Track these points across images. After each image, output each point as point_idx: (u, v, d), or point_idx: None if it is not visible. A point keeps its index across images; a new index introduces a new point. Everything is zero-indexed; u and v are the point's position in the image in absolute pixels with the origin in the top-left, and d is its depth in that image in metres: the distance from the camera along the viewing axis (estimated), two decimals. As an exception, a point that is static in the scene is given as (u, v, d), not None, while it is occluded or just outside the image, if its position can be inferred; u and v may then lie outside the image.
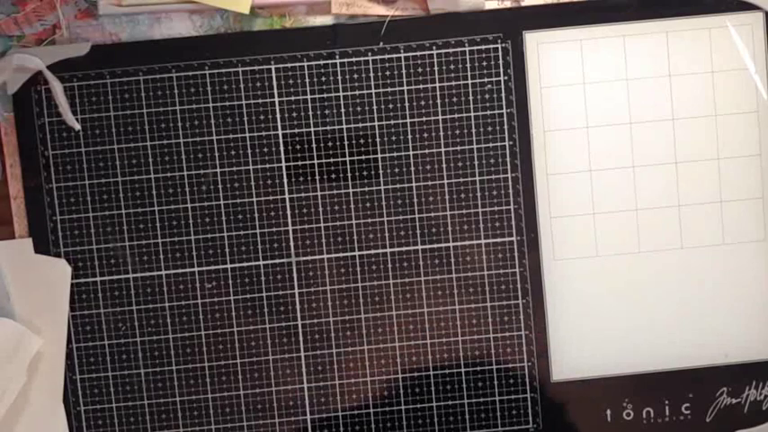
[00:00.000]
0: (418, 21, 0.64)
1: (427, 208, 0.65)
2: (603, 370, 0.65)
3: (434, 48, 0.64)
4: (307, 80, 0.64)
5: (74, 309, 0.64)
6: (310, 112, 0.64)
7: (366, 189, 0.65)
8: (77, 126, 0.63)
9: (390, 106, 0.64)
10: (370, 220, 0.65)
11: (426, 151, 0.64)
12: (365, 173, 0.65)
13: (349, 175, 0.65)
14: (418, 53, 0.64)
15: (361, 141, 0.64)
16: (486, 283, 0.65)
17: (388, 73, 0.64)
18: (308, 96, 0.64)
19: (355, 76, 0.64)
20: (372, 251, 0.65)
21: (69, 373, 0.64)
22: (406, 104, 0.64)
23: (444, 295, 0.65)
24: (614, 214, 0.65)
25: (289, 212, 0.65)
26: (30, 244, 0.63)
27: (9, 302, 0.63)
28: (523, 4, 0.64)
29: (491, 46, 0.64)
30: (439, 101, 0.64)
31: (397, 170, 0.65)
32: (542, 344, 0.65)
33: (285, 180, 0.64)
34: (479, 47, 0.64)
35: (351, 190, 0.65)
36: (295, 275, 0.65)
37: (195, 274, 0.65)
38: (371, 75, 0.64)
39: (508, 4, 0.64)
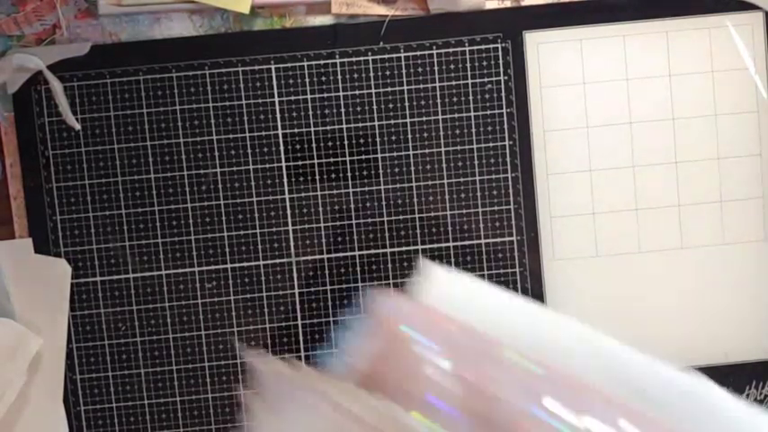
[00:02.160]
0: (418, 21, 0.64)
1: (427, 208, 0.65)
2: (603, 370, 0.65)
3: (434, 48, 0.64)
4: (307, 80, 0.64)
5: (74, 309, 0.64)
6: (310, 112, 0.64)
7: (366, 189, 0.65)
8: (77, 126, 0.63)
9: (390, 106, 0.64)
10: (370, 220, 0.65)
11: (426, 151, 0.64)
12: (365, 173, 0.65)
13: (349, 174, 0.65)
14: (418, 53, 0.64)
15: (361, 141, 0.64)
16: (486, 283, 0.65)
17: (388, 73, 0.64)
18: (308, 96, 0.64)
19: (355, 76, 0.64)
20: (372, 251, 0.65)
21: (69, 373, 0.64)
22: (406, 104, 0.64)
23: (444, 295, 0.65)
24: (614, 214, 0.65)
25: (289, 212, 0.65)
26: (30, 244, 0.63)
27: (9, 302, 0.63)
28: (523, 3, 0.64)
29: (491, 46, 0.64)
30: (439, 101, 0.64)
31: (397, 170, 0.65)
32: (542, 344, 0.65)
33: (285, 180, 0.64)
34: (479, 47, 0.64)
35: (351, 190, 0.65)
36: (295, 275, 0.65)
37: (195, 274, 0.65)
38: (371, 75, 0.64)
39: (508, 4, 0.64)
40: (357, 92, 0.64)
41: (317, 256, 0.65)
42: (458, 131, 0.64)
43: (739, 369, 0.65)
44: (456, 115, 0.64)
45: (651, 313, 0.65)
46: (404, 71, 0.64)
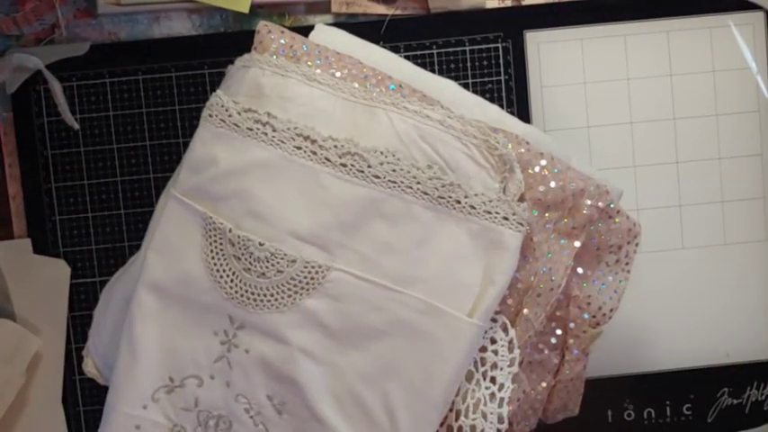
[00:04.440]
0: (418, 20, 0.63)
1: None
2: (603, 370, 0.64)
3: (435, 47, 0.64)
4: (306, 80, 0.64)
5: (73, 309, 0.64)
6: (310, 112, 0.64)
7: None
8: (76, 126, 0.63)
9: (390, 106, 0.64)
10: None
11: (426, 151, 0.64)
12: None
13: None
14: (418, 52, 0.64)
15: (361, 141, 0.64)
16: (486, 284, 0.65)
17: (388, 72, 0.64)
18: (308, 96, 0.64)
19: (355, 75, 0.64)
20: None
21: (69, 374, 0.64)
22: (407, 104, 0.64)
23: (445, 295, 0.65)
24: (615, 214, 0.64)
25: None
26: (29, 244, 0.63)
27: (8, 303, 0.63)
28: (524, 3, 0.64)
29: (491, 45, 0.64)
30: (439, 100, 0.64)
31: (397, 170, 0.64)
32: (543, 344, 0.65)
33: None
34: (480, 46, 0.64)
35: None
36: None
37: (195, 275, 0.64)
38: (371, 74, 0.64)
39: (509, 3, 0.64)
40: (357, 91, 0.64)
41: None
42: (458, 131, 0.64)
43: (741, 369, 0.65)
44: (456, 115, 0.64)
45: (652, 313, 0.64)
46: (404, 71, 0.64)
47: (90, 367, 0.57)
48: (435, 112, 0.52)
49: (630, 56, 0.64)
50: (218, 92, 0.53)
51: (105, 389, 0.60)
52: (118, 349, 0.53)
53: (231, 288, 0.51)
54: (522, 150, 0.53)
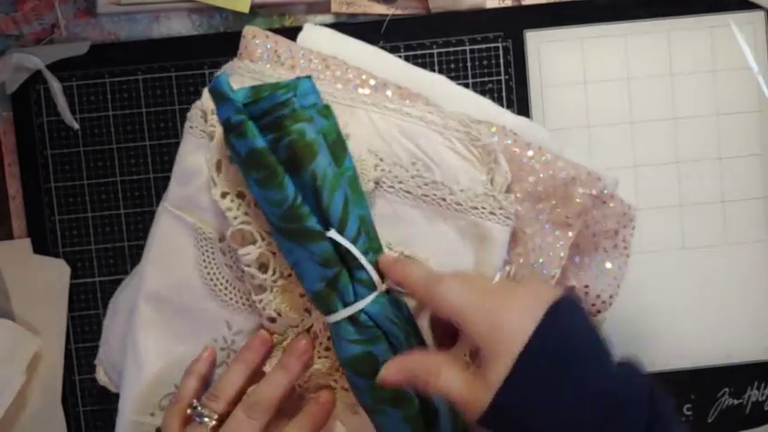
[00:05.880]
0: (419, 19, 0.63)
1: (428, 208, 0.64)
2: (604, 370, 0.64)
3: (435, 47, 0.63)
4: (306, 79, 0.64)
5: (72, 309, 0.64)
6: (310, 112, 0.64)
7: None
8: (76, 126, 0.63)
9: (390, 106, 0.64)
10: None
11: (427, 151, 0.64)
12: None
13: (349, 174, 0.64)
14: (419, 52, 0.63)
15: (362, 141, 0.64)
16: (486, 284, 0.65)
17: (388, 72, 0.64)
18: (308, 96, 0.64)
19: (355, 75, 0.64)
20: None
21: (68, 374, 0.64)
22: (407, 104, 0.64)
23: (445, 295, 0.65)
24: (615, 214, 0.64)
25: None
26: (28, 244, 0.63)
27: (8, 303, 0.63)
28: (524, 3, 0.64)
29: (492, 45, 0.64)
30: (439, 100, 0.64)
31: (397, 170, 0.64)
32: (543, 344, 0.65)
33: (285, 180, 0.64)
34: (480, 46, 0.64)
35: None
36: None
37: (195, 275, 0.64)
38: (372, 74, 0.64)
39: (509, 3, 0.64)
40: (357, 91, 0.64)
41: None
42: (458, 131, 0.64)
43: (741, 370, 0.65)
44: (456, 115, 0.64)
45: (653, 313, 0.64)
46: (404, 70, 0.63)
47: (102, 375, 0.58)
48: (415, 108, 0.52)
49: (630, 56, 0.64)
50: (198, 103, 0.53)
51: (105, 389, 0.60)
52: (125, 359, 0.53)
53: (226, 295, 0.52)
54: (509, 141, 0.53)
